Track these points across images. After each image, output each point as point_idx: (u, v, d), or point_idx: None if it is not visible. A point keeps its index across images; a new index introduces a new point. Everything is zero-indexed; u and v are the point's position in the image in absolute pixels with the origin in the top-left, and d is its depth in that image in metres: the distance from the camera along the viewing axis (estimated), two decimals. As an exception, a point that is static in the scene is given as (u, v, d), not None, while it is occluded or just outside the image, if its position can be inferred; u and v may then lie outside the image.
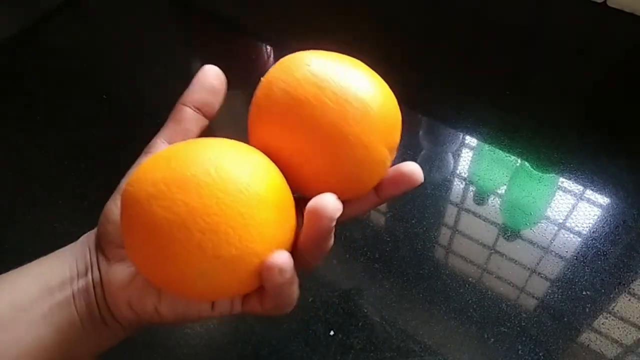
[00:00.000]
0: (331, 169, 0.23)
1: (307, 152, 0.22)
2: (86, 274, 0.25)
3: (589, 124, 0.49)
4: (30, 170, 0.49)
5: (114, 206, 0.25)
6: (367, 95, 0.22)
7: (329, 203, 0.21)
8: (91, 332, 0.25)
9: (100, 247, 0.25)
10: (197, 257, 0.19)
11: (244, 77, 0.60)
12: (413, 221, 0.43)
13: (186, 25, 0.67)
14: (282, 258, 0.20)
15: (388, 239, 0.42)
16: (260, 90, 0.24)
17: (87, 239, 0.26)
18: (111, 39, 0.64)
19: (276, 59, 0.60)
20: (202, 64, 0.26)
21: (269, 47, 0.61)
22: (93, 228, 0.46)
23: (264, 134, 0.23)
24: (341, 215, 0.21)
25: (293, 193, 0.23)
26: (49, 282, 0.24)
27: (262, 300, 0.24)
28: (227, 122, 0.54)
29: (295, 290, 0.23)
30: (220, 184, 0.20)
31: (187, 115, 0.25)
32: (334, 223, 0.21)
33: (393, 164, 0.25)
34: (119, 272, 0.24)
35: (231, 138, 0.23)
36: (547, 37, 0.57)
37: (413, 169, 0.24)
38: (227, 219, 0.20)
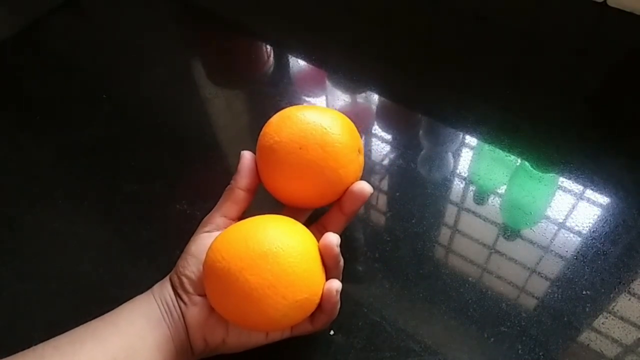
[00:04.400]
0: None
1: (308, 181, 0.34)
2: (171, 313, 0.32)
3: (589, 124, 0.49)
4: (30, 170, 0.49)
5: (186, 264, 0.33)
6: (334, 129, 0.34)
7: (367, 187, 0.34)
8: (182, 356, 0.32)
9: (177, 294, 0.32)
10: (282, 304, 0.28)
11: (244, 77, 0.60)
12: (413, 221, 0.43)
13: (186, 25, 0.67)
14: (338, 283, 0.31)
15: (388, 239, 0.42)
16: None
17: (161, 286, 0.33)
18: (111, 39, 0.64)
19: (276, 58, 0.60)
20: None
21: (269, 47, 0.61)
22: (92, 228, 0.46)
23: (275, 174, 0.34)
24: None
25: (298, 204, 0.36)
26: (150, 318, 0.31)
27: (313, 320, 0.32)
28: (228, 121, 0.54)
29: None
30: (288, 253, 0.29)
31: (240, 196, 0.35)
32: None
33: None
34: (196, 313, 0.32)
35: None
36: (547, 37, 0.57)
37: (361, 187, 0.34)
38: (299, 276, 0.29)
